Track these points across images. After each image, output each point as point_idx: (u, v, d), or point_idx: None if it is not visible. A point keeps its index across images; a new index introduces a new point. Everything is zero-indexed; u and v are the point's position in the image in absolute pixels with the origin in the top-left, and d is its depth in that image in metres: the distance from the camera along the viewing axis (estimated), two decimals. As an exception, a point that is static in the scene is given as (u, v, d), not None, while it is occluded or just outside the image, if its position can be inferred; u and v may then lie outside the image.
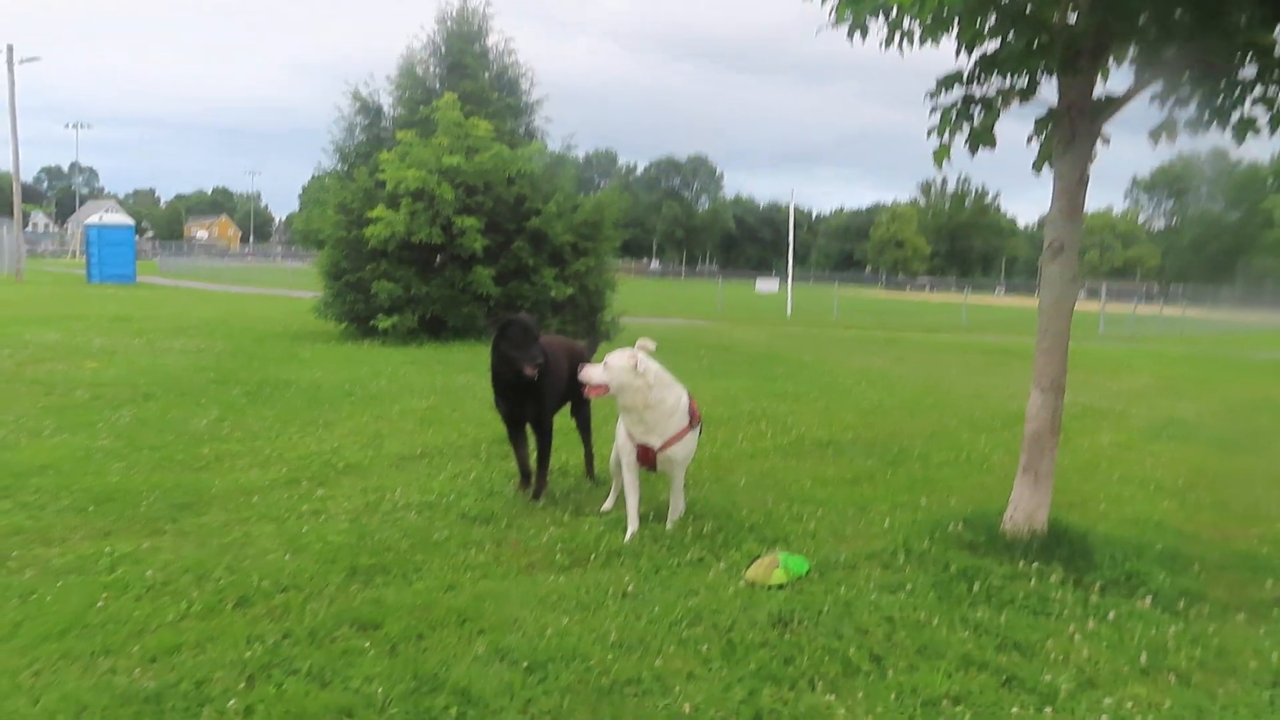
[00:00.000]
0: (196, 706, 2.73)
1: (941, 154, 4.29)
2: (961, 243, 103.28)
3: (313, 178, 16.58)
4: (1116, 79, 4.27)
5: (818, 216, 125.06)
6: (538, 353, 4.84)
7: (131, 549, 4.06)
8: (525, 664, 3.03)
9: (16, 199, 34.41)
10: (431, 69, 15.64)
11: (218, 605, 3.46)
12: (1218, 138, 4.04)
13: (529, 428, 5.22)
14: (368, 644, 3.16)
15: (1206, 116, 4.05)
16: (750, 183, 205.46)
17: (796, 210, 32.60)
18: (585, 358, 5.30)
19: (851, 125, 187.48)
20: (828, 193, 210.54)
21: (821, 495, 5.41)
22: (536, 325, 4.96)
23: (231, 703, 2.75)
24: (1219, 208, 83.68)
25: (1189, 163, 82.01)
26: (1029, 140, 4.48)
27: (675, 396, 4.48)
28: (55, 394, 7.99)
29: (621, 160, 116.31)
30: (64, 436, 6.31)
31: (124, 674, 2.92)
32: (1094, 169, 4.33)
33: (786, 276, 30.81)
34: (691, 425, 4.53)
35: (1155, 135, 4.22)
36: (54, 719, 2.65)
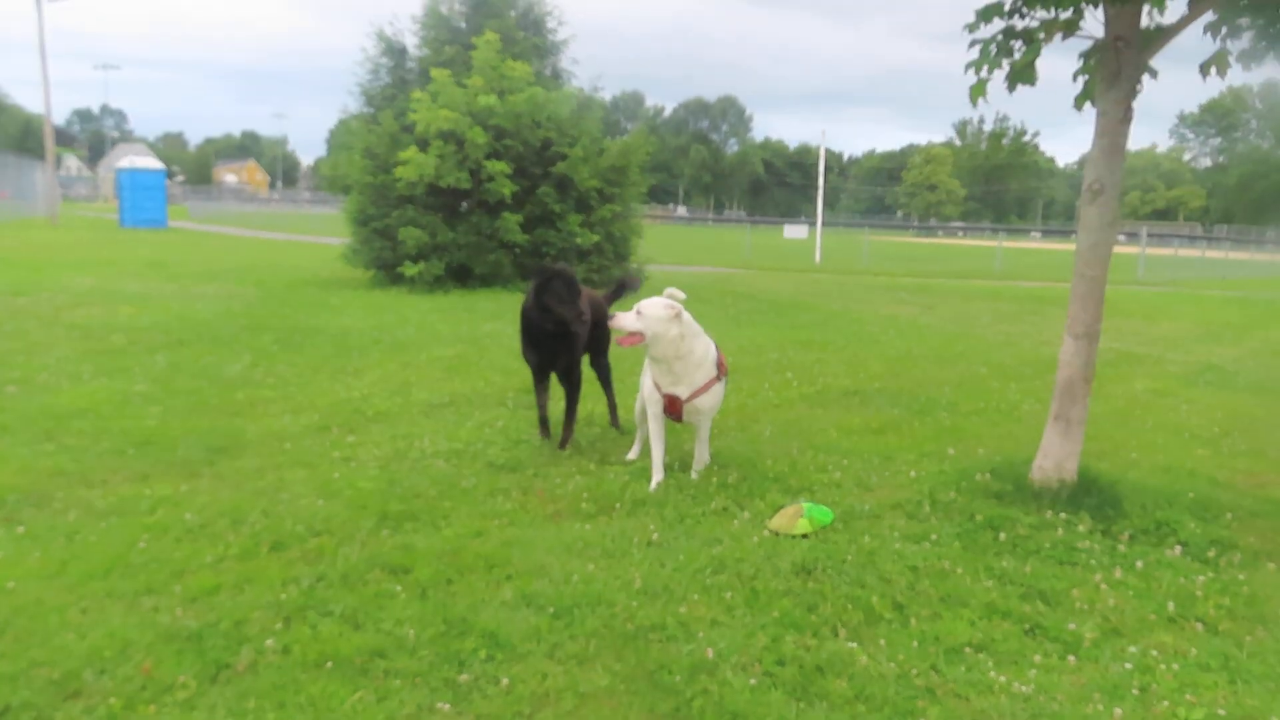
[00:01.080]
0: (235, 645, 2.83)
1: (978, 90, 4.16)
2: (997, 185, 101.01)
3: (339, 121, 16.55)
4: (1167, 9, 4.09)
5: (849, 159, 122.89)
6: (580, 307, 4.84)
7: (170, 492, 4.18)
8: (551, 609, 3.09)
9: (48, 141, 34.62)
10: (456, 7, 15.41)
11: (254, 548, 3.55)
12: (1271, 70, 3.89)
13: (554, 378, 5.24)
14: (398, 588, 3.24)
15: (1262, 47, 3.88)
16: (780, 125, 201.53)
17: (827, 153, 32.01)
18: (603, 309, 5.33)
19: (884, 63, 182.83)
20: (859, 134, 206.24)
21: (847, 445, 5.41)
22: (576, 280, 4.96)
23: (269, 642, 2.84)
24: (1268, 145, 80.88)
25: (1239, 97, 79.06)
26: (1074, 76, 4.34)
27: (704, 347, 4.47)
28: (93, 338, 8.15)
29: (649, 102, 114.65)
30: (102, 381, 6.46)
31: (166, 612, 3.02)
32: (1138, 105, 4.18)
33: (815, 222, 30.38)
34: (719, 376, 4.52)
35: (1205, 68, 4.06)
36: (101, 654, 2.76)
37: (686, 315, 4.40)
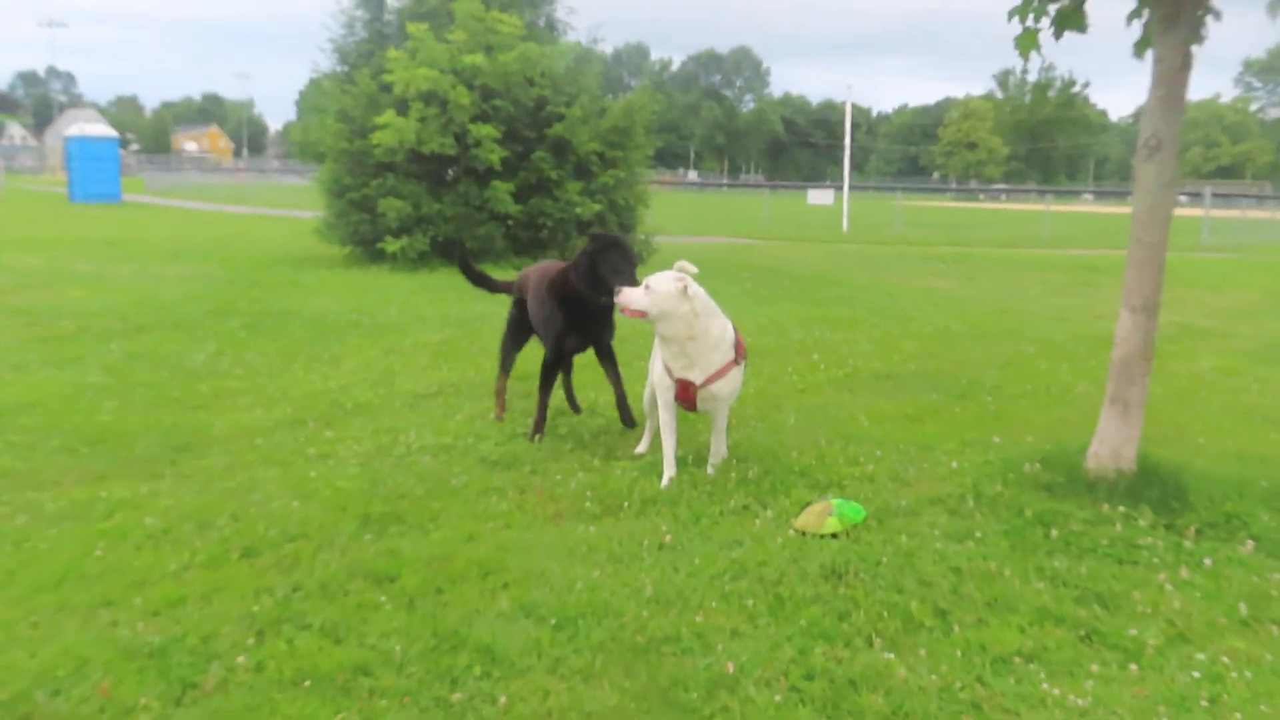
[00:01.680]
0: (204, 662, 2.84)
1: (1028, 41, 4.10)
2: (1044, 142, 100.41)
3: (310, 81, 16.49)
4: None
5: (878, 115, 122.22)
6: (632, 278, 4.88)
7: (129, 494, 4.19)
8: (553, 620, 3.09)
9: (-12, 110, 34.65)
10: (438, -48, 15.34)
11: (222, 555, 3.56)
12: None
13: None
14: (383, 598, 3.24)
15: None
16: (801, 78, 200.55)
17: (854, 109, 31.85)
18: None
19: (917, 6, 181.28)
20: (889, 88, 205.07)
21: (880, 434, 5.39)
22: (634, 251, 5.07)
23: (240, 658, 2.85)
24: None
25: (1313, 40, 78.23)
26: (1129, 20, 4.28)
27: (720, 327, 4.45)
28: (39, 325, 8.17)
29: (654, 55, 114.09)
30: (50, 372, 6.47)
31: (126, 627, 3.03)
32: (1199, 50, 4.13)
33: (842, 186, 30.24)
34: (737, 360, 4.50)
35: (1275, 8, 4.01)
36: (54, 673, 2.76)
37: (699, 291, 4.37)
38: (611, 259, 4.92)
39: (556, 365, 5.27)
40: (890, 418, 5.82)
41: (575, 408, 5.85)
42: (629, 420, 5.29)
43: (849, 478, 4.58)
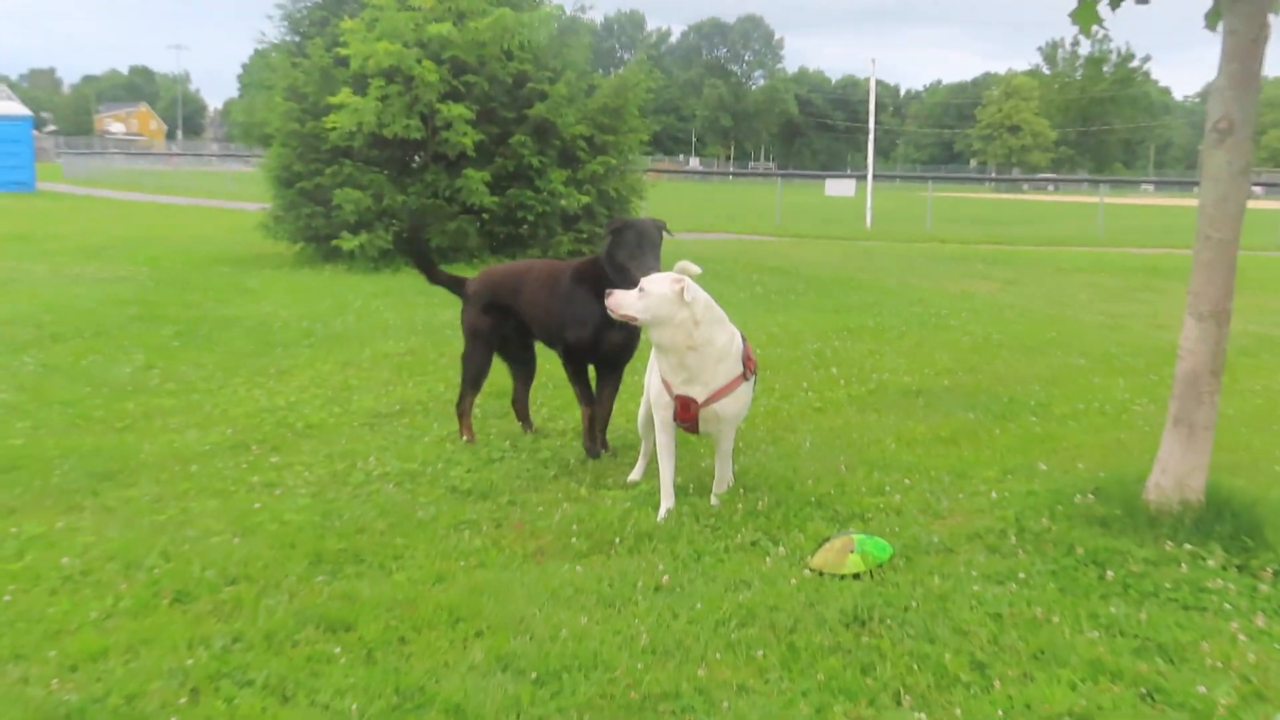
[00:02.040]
0: (129, 725, 2.82)
1: (1088, 15, 4.09)
2: (1097, 125, 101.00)
3: (255, 53, 16.56)
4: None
5: (907, 94, 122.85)
6: (655, 261, 4.98)
7: (43, 530, 4.17)
8: (534, 674, 3.09)
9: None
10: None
11: (151, 600, 3.55)
12: None
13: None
14: (338, 649, 3.23)
15: None
16: (819, 51, 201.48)
17: (879, 86, 31.99)
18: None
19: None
20: (920, 62, 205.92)
21: (909, 459, 5.40)
22: (658, 232, 5.16)
23: (172, 720, 2.84)
24: None
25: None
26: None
27: (727, 337, 4.46)
28: (-58, 337, 8.14)
29: (651, 25, 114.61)
30: (-45, 391, 6.44)
31: (39, 684, 3.02)
32: (1276, 21, 4.16)
33: (865, 175, 30.35)
34: (745, 374, 4.51)
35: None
36: (-43, 740, 2.75)
37: (700, 295, 4.38)
38: (626, 242, 5.02)
39: (585, 362, 5.36)
40: (921, 441, 5.82)
41: (527, 424, 5.92)
42: (594, 449, 5.34)
43: (873, 509, 4.58)
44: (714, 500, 4.62)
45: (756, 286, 12.83)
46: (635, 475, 5.03)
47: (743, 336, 4.59)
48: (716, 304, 4.48)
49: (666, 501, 4.51)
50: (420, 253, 6.19)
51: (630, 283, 4.79)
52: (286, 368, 7.39)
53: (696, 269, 4.63)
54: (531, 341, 5.76)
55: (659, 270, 4.92)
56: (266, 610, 3.48)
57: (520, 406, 5.95)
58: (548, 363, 6.34)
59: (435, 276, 5.93)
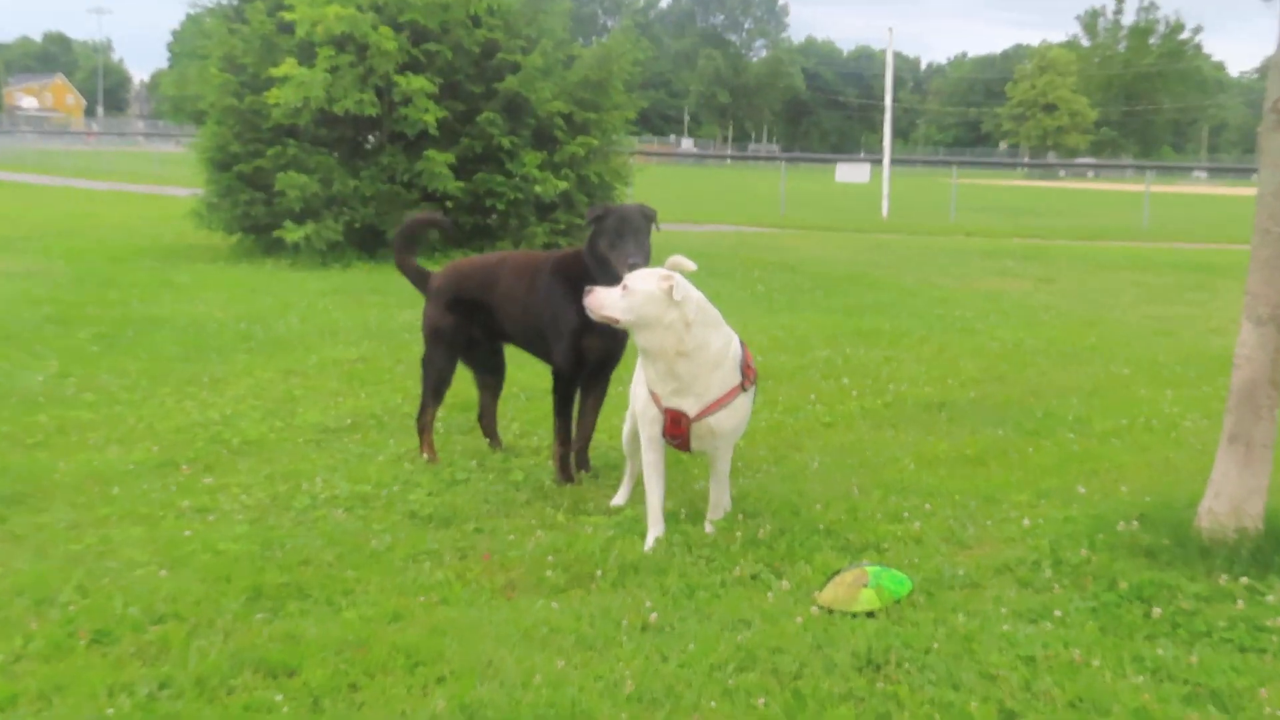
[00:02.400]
0: (40, 785, 2.81)
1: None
2: (1143, 104, 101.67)
3: (187, 18, 16.53)
4: None
5: (929, 68, 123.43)
6: (638, 249, 5.01)
7: (-58, 562, 4.14)
8: (504, 725, 3.08)
9: None
10: None
11: (66, 641, 3.53)
12: None
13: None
14: (279, 697, 3.22)
15: None
16: (829, 19, 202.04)
17: (897, 59, 32.10)
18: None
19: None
20: (944, 32, 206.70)
21: (930, 481, 5.42)
22: (645, 219, 5.19)
23: (89, 779, 2.82)
24: None
25: None
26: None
27: (722, 341, 4.46)
28: None
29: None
30: None
31: (-62, 739, 3.00)
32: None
33: (881, 159, 30.46)
34: (744, 384, 4.52)
35: None
36: None
37: (692, 294, 4.39)
38: (606, 230, 5.04)
39: (574, 379, 5.33)
40: (943, 460, 5.84)
41: (495, 440, 5.93)
42: (567, 478, 5.31)
43: (890, 538, 4.59)
44: (709, 527, 4.62)
45: (758, 285, 12.85)
46: (619, 499, 5.03)
47: (741, 341, 4.60)
48: (711, 304, 4.49)
49: (655, 529, 4.51)
50: (410, 229, 6.10)
51: (612, 278, 4.80)
52: (221, 376, 7.36)
53: (690, 264, 4.64)
54: (501, 346, 5.76)
55: (645, 261, 4.94)
56: (198, 652, 3.46)
57: (488, 420, 5.95)
58: (519, 370, 6.35)
59: (405, 261, 5.87)
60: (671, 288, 4.31)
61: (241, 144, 14.07)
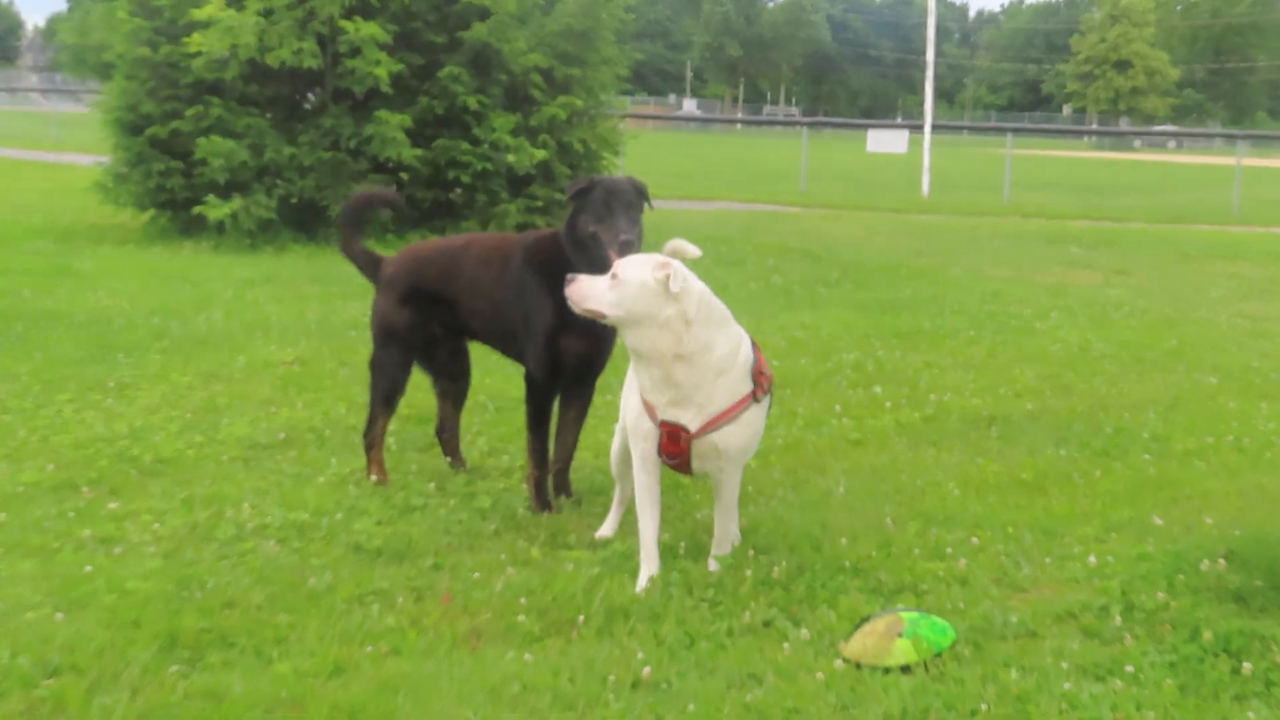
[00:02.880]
0: None
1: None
2: (1234, 61, 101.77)
3: (90, -46, 16.49)
4: None
5: (979, 16, 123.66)
6: (630, 225, 5.01)
7: None
8: (467, 800, 3.08)
9: None
10: None
11: (-58, 699, 3.52)
12: None
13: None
14: (198, 765, 3.21)
15: None
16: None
17: (941, 6, 32.10)
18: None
19: None
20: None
21: (978, 510, 5.42)
22: (638, 193, 5.19)
23: None
24: None
25: None
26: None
27: (730, 343, 4.46)
28: None
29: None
30: None
31: None
32: None
33: (922, 125, 30.49)
34: (755, 394, 4.52)
35: None
36: None
37: (695, 285, 4.39)
38: (591, 205, 5.04)
39: (552, 387, 5.33)
40: (994, 486, 5.84)
41: (458, 460, 5.94)
42: (543, 505, 5.30)
43: (929, 578, 4.59)
44: (713, 564, 4.61)
45: (774, 275, 12.84)
46: (607, 530, 5.03)
47: (753, 342, 4.60)
48: (717, 298, 4.49)
49: (648, 566, 4.50)
50: (357, 207, 6.09)
51: (598, 264, 4.80)
52: (130, 380, 7.34)
53: (694, 250, 4.64)
54: (465, 346, 5.76)
55: (640, 242, 4.93)
56: (101, 711, 3.45)
57: (449, 436, 5.94)
58: (487, 375, 6.35)
59: (352, 245, 5.86)
60: (669, 277, 4.30)
61: (156, 102, 14.02)
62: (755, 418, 4.57)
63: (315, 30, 13.74)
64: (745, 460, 4.70)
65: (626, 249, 4.84)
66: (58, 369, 7.56)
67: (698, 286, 4.39)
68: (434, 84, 14.24)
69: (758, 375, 4.53)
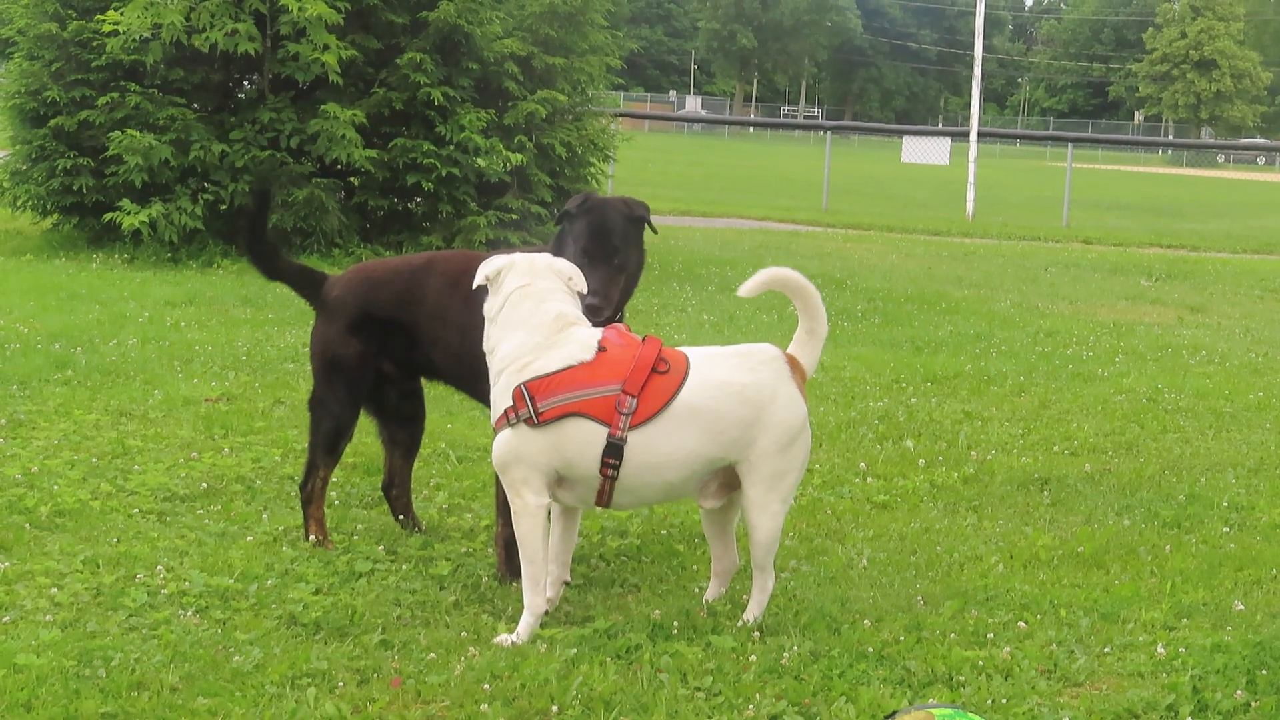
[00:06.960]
0: None
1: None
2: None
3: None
4: None
5: (1036, 7, 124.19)
6: (600, 285, 5.04)
7: None
8: None
9: None
10: None
11: None
12: None
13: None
14: None
15: None
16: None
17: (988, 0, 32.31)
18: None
19: None
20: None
21: (1026, 589, 5.43)
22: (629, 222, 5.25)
23: None
24: None
25: None
26: None
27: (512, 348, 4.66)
28: None
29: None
30: None
31: None
32: None
33: (967, 133, 30.63)
34: (509, 413, 4.62)
35: None
36: None
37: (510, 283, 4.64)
38: (578, 234, 5.10)
39: None
40: (1045, 559, 5.85)
41: (410, 519, 5.91)
42: (514, 566, 5.13)
43: (967, 668, 4.59)
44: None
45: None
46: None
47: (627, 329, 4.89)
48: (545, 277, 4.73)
49: (532, 607, 4.66)
50: (256, 221, 5.95)
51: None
52: (25, 418, 7.35)
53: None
54: (418, 386, 5.77)
55: (606, 306, 5.03)
56: (-17, 811, 3.46)
57: (400, 491, 5.91)
58: (448, 419, 6.36)
59: (275, 265, 5.81)
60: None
61: (62, 88, 14.04)
62: (507, 438, 4.65)
63: (253, 8, 13.77)
64: (509, 482, 4.74)
65: (590, 314, 4.88)
66: (-60, 402, 7.56)
67: (511, 284, 4.68)
68: (392, 73, 14.28)
69: (516, 394, 4.60)
